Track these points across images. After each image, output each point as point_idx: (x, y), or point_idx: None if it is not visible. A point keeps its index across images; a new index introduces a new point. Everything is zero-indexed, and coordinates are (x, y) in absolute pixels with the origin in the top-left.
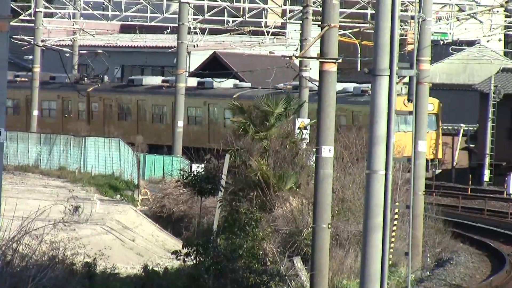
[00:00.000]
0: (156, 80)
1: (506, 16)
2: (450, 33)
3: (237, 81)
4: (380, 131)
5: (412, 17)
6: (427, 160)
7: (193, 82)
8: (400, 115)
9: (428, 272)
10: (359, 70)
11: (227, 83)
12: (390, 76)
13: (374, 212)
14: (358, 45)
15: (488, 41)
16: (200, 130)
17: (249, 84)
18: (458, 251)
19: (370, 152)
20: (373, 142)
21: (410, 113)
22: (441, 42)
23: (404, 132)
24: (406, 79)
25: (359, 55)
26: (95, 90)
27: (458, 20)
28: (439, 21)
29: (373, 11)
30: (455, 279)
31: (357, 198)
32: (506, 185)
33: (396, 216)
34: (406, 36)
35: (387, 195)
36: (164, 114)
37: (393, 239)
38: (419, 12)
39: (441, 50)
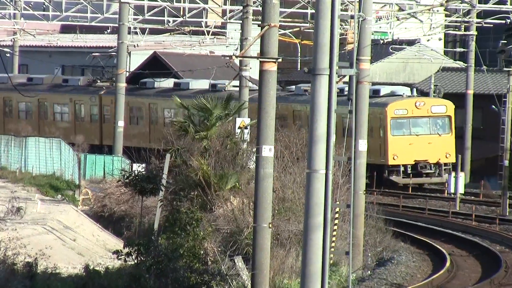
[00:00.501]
0: (168, 83)
1: (446, 15)
2: (390, 33)
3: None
4: (320, 130)
5: (352, 17)
6: (439, 165)
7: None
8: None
9: (369, 272)
10: (299, 69)
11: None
12: (330, 76)
13: (314, 212)
14: (298, 44)
15: (428, 40)
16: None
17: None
18: (399, 250)
19: (310, 151)
20: (313, 141)
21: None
22: (381, 42)
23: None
24: (346, 78)
25: (299, 55)
26: (107, 93)
27: (398, 20)
28: (379, 20)
29: (313, 11)
30: (396, 278)
31: (298, 197)
32: (447, 184)
33: (337, 215)
34: (346, 35)
35: (328, 194)
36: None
37: (334, 239)
38: (359, 11)
39: (381, 50)
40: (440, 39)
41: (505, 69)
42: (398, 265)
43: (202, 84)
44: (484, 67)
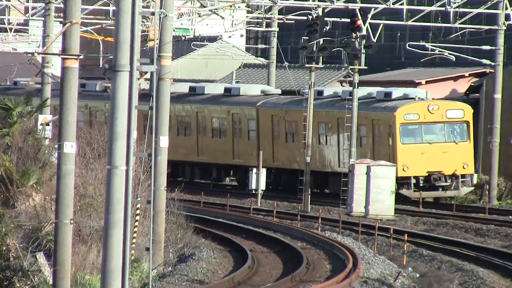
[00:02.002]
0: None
1: (248, 12)
2: (192, 29)
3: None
4: (121, 127)
5: (153, 13)
6: (456, 177)
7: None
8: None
9: (170, 268)
10: (101, 66)
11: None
12: (131, 72)
13: (115, 208)
14: (100, 41)
15: (230, 36)
16: None
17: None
18: (201, 246)
19: (110, 148)
20: (113, 137)
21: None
22: (183, 38)
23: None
24: (148, 75)
25: (101, 52)
26: None
27: (200, 16)
28: (181, 17)
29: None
30: (198, 275)
31: (99, 193)
32: (248, 181)
33: (138, 212)
34: (148, 32)
35: (128, 191)
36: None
37: (135, 235)
38: (161, 8)
39: (182, 46)
40: (242, 36)
41: (306, 65)
42: (199, 261)
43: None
44: (286, 63)
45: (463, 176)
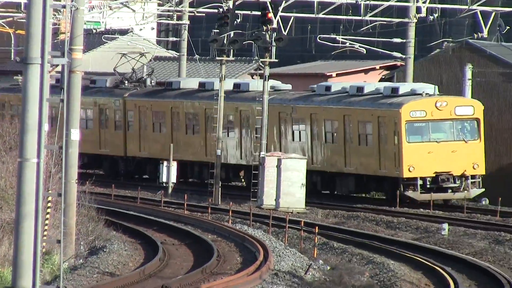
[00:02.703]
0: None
1: (159, 5)
2: (103, 22)
3: None
4: (32, 119)
5: (64, 6)
6: (465, 177)
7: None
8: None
9: (81, 260)
10: (12, 59)
11: None
12: (42, 65)
13: (26, 200)
14: (12, 34)
15: (141, 29)
16: None
17: None
18: (112, 239)
19: (22, 140)
20: (25, 130)
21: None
22: (94, 31)
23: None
24: (59, 68)
25: (12, 45)
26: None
27: (111, 9)
28: (92, 10)
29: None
30: (109, 267)
31: (11, 186)
32: (158, 173)
33: (49, 204)
34: (59, 25)
35: (39, 183)
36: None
37: (46, 227)
38: (72, 1)
39: (94, 39)
40: (153, 29)
41: (217, 58)
42: (110, 253)
43: None
44: (197, 56)
45: (473, 176)
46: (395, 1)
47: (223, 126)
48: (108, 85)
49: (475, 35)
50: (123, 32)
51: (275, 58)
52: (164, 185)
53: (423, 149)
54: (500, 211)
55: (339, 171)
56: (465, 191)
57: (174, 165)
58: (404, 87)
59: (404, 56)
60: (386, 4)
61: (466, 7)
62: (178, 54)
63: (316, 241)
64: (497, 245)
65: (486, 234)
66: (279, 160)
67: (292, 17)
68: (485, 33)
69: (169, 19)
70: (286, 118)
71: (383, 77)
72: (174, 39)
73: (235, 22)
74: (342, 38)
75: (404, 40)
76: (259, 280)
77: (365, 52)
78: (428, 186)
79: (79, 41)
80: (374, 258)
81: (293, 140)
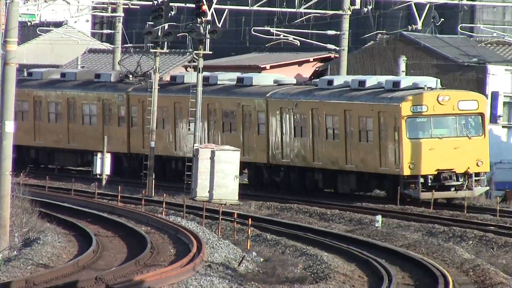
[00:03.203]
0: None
1: None
2: (37, 15)
3: None
4: None
5: None
6: (469, 175)
7: None
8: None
9: (15, 252)
10: None
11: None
12: None
13: None
14: None
15: (75, 22)
16: None
17: None
18: (46, 231)
19: None
20: None
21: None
22: (29, 24)
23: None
24: None
25: None
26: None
27: (45, 1)
28: (26, 2)
29: None
30: (43, 259)
31: None
32: (92, 165)
33: None
34: None
35: None
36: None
37: None
38: None
39: (28, 31)
40: (87, 21)
41: (151, 50)
42: (44, 245)
43: None
44: (131, 48)
45: (477, 174)
46: None
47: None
48: (113, 79)
49: (410, 27)
50: (58, 24)
51: (209, 50)
52: (98, 176)
53: (425, 146)
54: (435, 203)
55: (341, 169)
56: (469, 190)
57: (108, 157)
58: (405, 81)
59: (338, 48)
60: None
61: (436, 1)
62: (112, 46)
63: (249, 233)
64: (430, 237)
65: (420, 226)
66: (212, 152)
67: (226, 10)
68: (419, 25)
69: (103, 11)
70: (288, 114)
71: (317, 69)
72: (109, 31)
73: (170, 14)
74: (276, 31)
75: (338, 32)
76: (193, 271)
77: (299, 44)
78: (429, 184)
79: (14, 33)
80: (307, 250)
81: (294, 136)
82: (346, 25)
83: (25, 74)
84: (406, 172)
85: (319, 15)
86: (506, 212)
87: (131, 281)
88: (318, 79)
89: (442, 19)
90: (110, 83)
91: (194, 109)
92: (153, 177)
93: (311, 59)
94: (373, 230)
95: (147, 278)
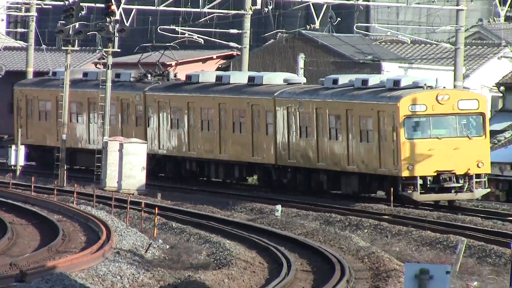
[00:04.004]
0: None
1: None
2: None
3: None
4: None
5: None
6: (470, 176)
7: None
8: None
9: None
10: None
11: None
12: None
13: None
14: None
15: None
16: None
17: None
18: None
19: None
20: None
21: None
22: None
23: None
24: None
25: None
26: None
27: None
28: None
29: None
30: None
31: None
32: (8, 157)
33: None
34: None
35: None
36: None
37: None
38: None
39: None
40: (2, 20)
41: (63, 48)
42: None
43: None
44: (44, 46)
45: (477, 176)
46: None
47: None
48: (132, 79)
49: (308, 27)
50: None
51: (118, 48)
52: (13, 167)
53: (423, 146)
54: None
55: (343, 170)
56: (469, 192)
57: (22, 149)
58: (406, 79)
59: (240, 46)
60: None
61: (335, 1)
62: (26, 44)
63: (156, 221)
64: (327, 226)
65: (317, 215)
66: (121, 145)
67: (134, 9)
68: (317, 25)
69: (17, 11)
70: (294, 113)
71: (220, 66)
72: (23, 30)
73: (80, 14)
74: (181, 29)
75: (240, 31)
76: (102, 258)
77: (203, 42)
78: (429, 185)
79: None
80: (211, 237)
81: (300, 136)
82: (247, 24)
83: None
84: (404, 173)
85: (222, 14)
86: (400, 203)
87: (44, 267)
88: (324, 78)
89: (339, 19)
90: (128, 82)
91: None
92: (65, 168)
93: (215, 57)
94: (273, 219)
95: (59, 264)
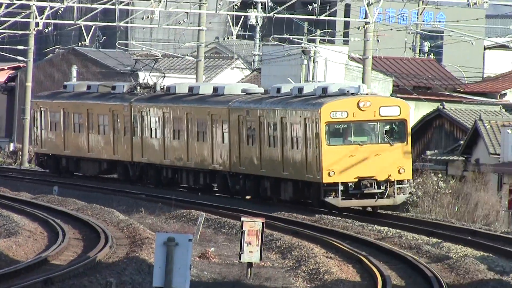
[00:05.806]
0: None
1: None
2: None
3: None
4: None
5: None
6: (391, 182)
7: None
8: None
9: None
10: None
11: None
12: None
13: None
14: None
15: None
16: None
17: None
18: None
19: None
20: None
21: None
22: None
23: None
24: None
25: None
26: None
27: None
28: None
29: None
30: None
31: None
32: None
33: None
34: None
35: None
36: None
37: None
38: None
39: None
40: None
41: None
42: None
43: None
44: None
45: (399, 182)
46: (20, 17)
47: None
48: (124, 91)
49: (80, 43)
50: None
51: None
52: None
53: (344, 153)
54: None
55: (279, 177)
56: (390, 198)
57: None
58: (333, 86)
59: (26, 60)
60: (13, 20)
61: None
62: None
63: None
64: (92, 202)
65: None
66: None
67: None
68: (87, 42)
69: None
70: (243, 121)
71: (10, 75)
72: None
73: None
74: None
75: (27, 48)
76: None
77: None
78: (350, 192)
79: None
80: (1, 212)
81: (247, 144)
82: (32, 41)
83: None
84: (325, 179)
85: (11, 33)
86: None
87: None
88: (270, 87)
89: (104, 37)
90: (120, 94)
91: None
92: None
93: (6, 68)
94: (52, 197)
95: None
